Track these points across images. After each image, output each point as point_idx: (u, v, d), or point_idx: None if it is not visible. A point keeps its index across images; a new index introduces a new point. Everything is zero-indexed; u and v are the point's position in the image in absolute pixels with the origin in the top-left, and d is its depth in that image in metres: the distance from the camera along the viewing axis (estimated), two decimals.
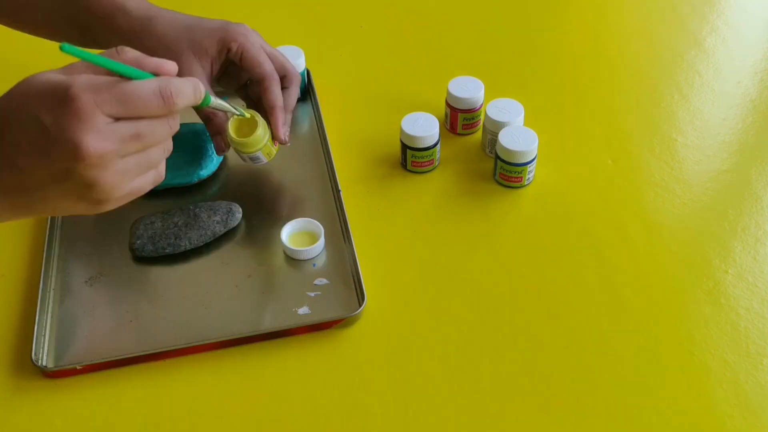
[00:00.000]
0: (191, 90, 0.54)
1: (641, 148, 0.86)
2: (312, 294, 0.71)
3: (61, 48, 0.49)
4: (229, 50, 0.75)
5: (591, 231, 0.77)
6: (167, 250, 0.74)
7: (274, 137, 0.75)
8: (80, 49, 0.50)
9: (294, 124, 0.91)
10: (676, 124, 0.89)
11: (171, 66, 0.55)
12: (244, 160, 0.78)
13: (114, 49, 0.54)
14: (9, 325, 0.70)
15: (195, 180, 0.81)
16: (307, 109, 0.92)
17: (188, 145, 0.82)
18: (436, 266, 0.74)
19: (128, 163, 0.52)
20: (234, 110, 0.69)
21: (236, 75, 0.79)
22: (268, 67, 0.75)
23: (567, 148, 0.86)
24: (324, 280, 0.73)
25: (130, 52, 0.54)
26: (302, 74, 0.92)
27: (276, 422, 0.63)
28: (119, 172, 0.52)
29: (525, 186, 0.81)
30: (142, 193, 0.56)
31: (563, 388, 0.64)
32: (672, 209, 0.79)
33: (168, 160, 0.79)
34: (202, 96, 0.56)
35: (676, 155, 0.85)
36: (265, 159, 0.77)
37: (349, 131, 0.88)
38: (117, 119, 0.50)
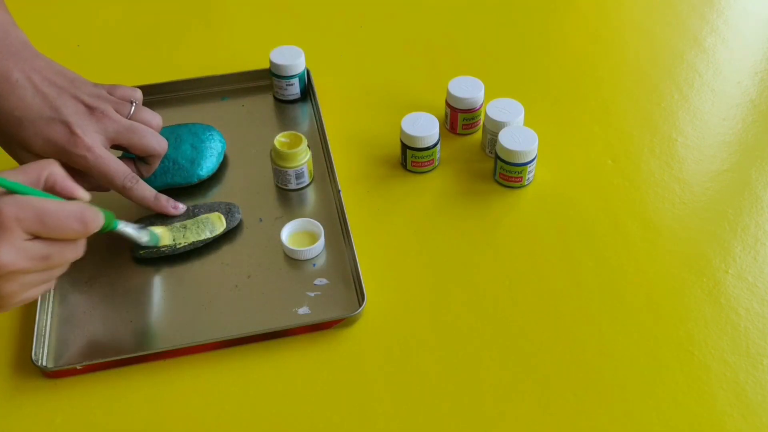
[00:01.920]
0: (101, 218, 0.59)
1: (641, 148, 0.86)
2: (312, 294, 0.71)
3: None
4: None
5: (591, 231, 0.77)
6: (167, 251, 0.74)
7: (166, 213, 0.76)
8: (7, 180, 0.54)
9: (294, 124, 0.91)
10: (676, 124, 0.89)
11: (84, 194, 0.60)
12: (285, 184, 0.80)
13: (43, 162, 0.58)
14: (9, 325, 0.70)
15: (195, 180, 0.81)
16: (307, 109, 0.92)
17: (188, 145, 0.82)
18: (436, 266, 0.74)
19: (31, 278, 0.56)
20: (139, 236, 0.70)
21: None
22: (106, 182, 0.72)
23: (567, 148, 0.86)
24: (324, 280, 0.73)
25: (58, 171, 0.58)
26: (302, 74, 0.92)
27: (276, 422, 0.63)
28: (20, 285, 0.55)
29: (525, 186, 0.81)
30: (30, 301, 0.59)
31: (563, 388, 0.64)
32: (672, 209, 0.79)
33: (168, 160, 0.80)
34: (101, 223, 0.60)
35: (676, 155, 0.85)
36: (308, 177, 0.81)
37: (349, 131, 0.88)
38: (33, 237, 0.54)
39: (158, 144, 0.75)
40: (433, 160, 0.83)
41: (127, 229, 0.68)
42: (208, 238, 0.75)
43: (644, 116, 0.91)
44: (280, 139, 0.79)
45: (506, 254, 0.75)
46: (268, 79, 0.94)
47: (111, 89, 0.74)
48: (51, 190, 0.58)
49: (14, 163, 0.71)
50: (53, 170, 0.58)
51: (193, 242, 0.74)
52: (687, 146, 0.86)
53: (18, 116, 0.68)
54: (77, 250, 0.58)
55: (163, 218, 0.75)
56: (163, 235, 0.73)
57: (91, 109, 0.70)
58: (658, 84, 0.95)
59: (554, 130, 0.87)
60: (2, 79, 0.68)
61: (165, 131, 0.84)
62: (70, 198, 0.58)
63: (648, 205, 0.79)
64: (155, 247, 0.73)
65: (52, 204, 0.55)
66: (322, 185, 0.82)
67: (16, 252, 0.53)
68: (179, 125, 0.85)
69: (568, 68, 0.99)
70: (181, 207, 0.76)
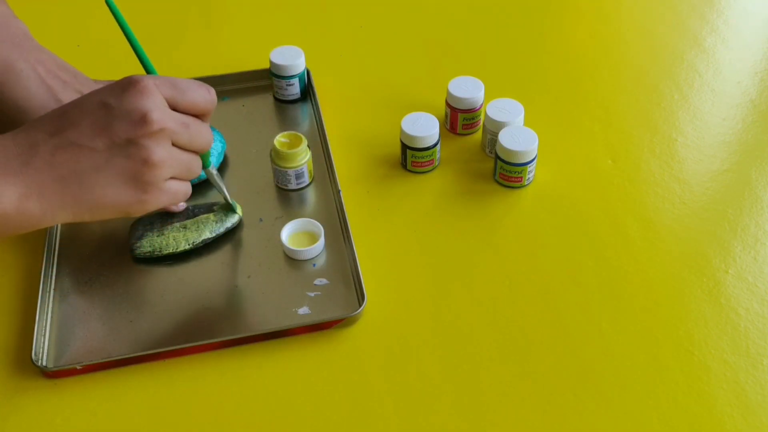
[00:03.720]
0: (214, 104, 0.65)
1: (641, 148, 0.86)
2: (312, 294, 0.71)
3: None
4: None
5: (591, 231, 0.77)
6: (167, 251, 0.74)
7: (167, 209, 0.77)
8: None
9: (294, 124, 0.91)
10: (676, 124, 0.89)
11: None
12: (285, 184, 0.81)
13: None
14: (9, 325, 0.70)
15: (195, 180, 0.81)
16: (307, 109, 0.92)
17: None
18: (436, 266, 0.74)
19: (176, 152, 0.60)
20: (224, 190, 0.74)
21: None
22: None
23: (567, 148, 0.86)
24: (324, 280, 0.73)
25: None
26: (302, 74, 0.92)
27: (276, 422, 0.63)
28: (169, 154, 0.59)
29: (525, 186, 0.81)
30: (174, 202, 0.63)
31: (563, 388, 0.64)
32: (672, 209, 0.79)
33: None
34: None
35: (676, 155, 0.85)
36: (308, 178, 0.81)
37: (349, 131, 0.88)
38: (173, 108, 0.59)
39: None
40: (433, 160, 0.83)
41: (217, 179, 0.73)
42: (208, 238, 0.75)
43: (644, 116, 0.91)
44: (280, 139, 0.79)
45: (506, 254, 0.75)
46: (268, 79, 0.94)
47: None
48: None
49: None
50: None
51: (193, 242, 0.74)
52: (687, 146, 0.86)
53: (22, 106, 0.68)
54: (207, 131, 0.63)
55: (162, 218, 0.76)
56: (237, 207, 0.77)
57: None
58: (658, 84, 0.95)
59: (554, 130, 0.87)
60: (7, 69, 0.68)
61: None
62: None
63: (648, 205, 0.79)
64: (153, 250, 0.73)
65: (180, 78, 0.61)
66: (322, 185, 0.82)
67: (163, 112, 0.58)
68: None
69: (568, 68, 0.99)
70: (182, 204, 0.76)
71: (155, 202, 0.61)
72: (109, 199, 0.59)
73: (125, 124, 0.57)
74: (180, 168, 0.61)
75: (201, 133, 0.62)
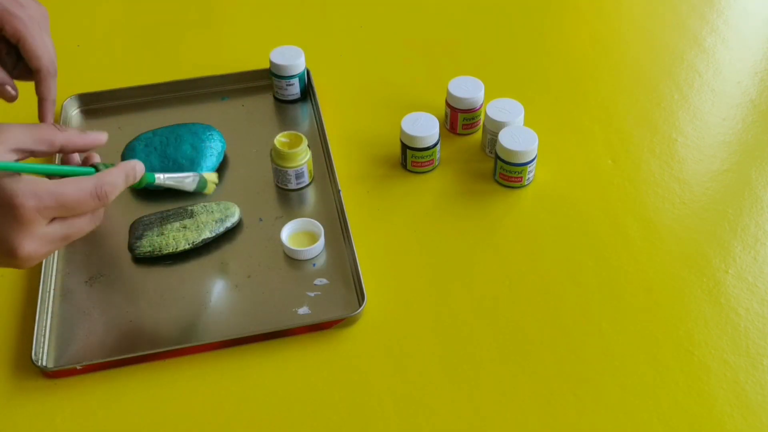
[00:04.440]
0: (123, 180, 0.60)
1: (641, 148, 0.86)
2: (312, 294, 0.71)
3: None
4: (2, 30, 0.70)
5: (591, 231, 0.77)
6: (167, 251, 0.74)
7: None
8: (11, 163, 0.54)
9: (294, 124, 0.91)
10: (676, 124, 0.89)
11: (103, 137, 0.61)
12: (285, 184, 0.80)
13: (51, 127, 0.59)
14: (9, 325, 0.70)
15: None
16: (307, 109, 0.92)
17: (188, 145, 0.82)
18: (436, 266, 0.74)
19: (54, 247, 0.57)
20: (183, 185, 0.71)
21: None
22: (46, 61, 0.71)
23: (567, 148, 0.86)
24: (324, 280, 0.73)
25: (71, 133, 0.59)
26: (302, 74, 0.92)
27: (276, 422, 0.63)
28: (42, 256, 0.56)
29: (525, 186, 0.81)
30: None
31: (563, 387, 0.64)
32: (672, 209, 0.79)
33: (168, 160, 0.80)
34: (138, 177, 0.62)
35: (676, 155, 0.85)
36: (308, 177, 0.81)
37: (349, 131, 0.88)
38: (53, 220, 0.55)
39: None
40: (433, 160, 0.83)
41: (168, 182, 0.69)
42: (208, 238, 0.75)
43: (644, 116, 0.91)
44: (280, 139, 0.79)
45: (506, 254, 0.75)
46: (268, 79, 0.94)
47: None
48: (69, 141, 0.59)
49: None
50: (70, 137, 0.59)
51: (193, 242, 0.74)
52: (687, 146, 0.86)
53: None
54: (96, 221, 0.59)
55: (162, 219, 0.76)
56: (209, 180, 0.73)
57: None
58: (658, 84, 0.95)
59: (554, 130, 0.87)
60: None
61: (165, 131, 0.84)
62: (91, 147, 0.61)
63: (648, 205, 0.79)
64: (153, 250, 0.73)
65: (69, 186, 0.55)
66: (322, 185, 0.82)
67: (38, 242, 0.55)
68: (179, 125, 0.85)
69: (567, 68, 0.99)
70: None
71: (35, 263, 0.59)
72: None
73: None
74: (56, 249, 0.59)
75: (83, 230, 0.58)
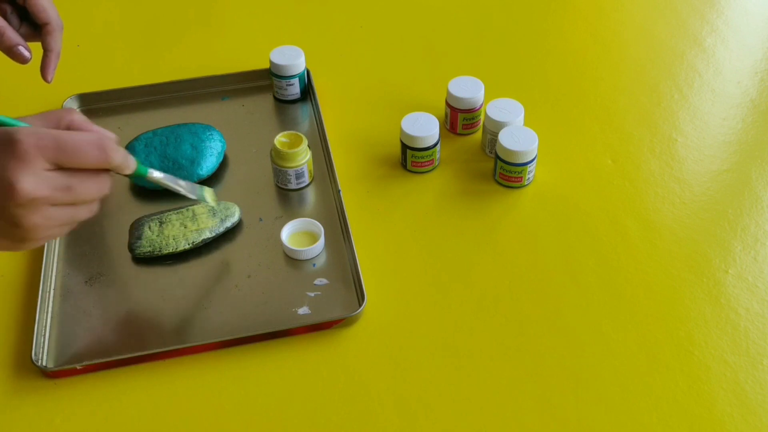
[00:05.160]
0: (123, 153, 0.58)
1: (641, 148, 0.86)
2: (312, 294, 0.71)
3: None
4: None
5: (591, 231, 0.77)
6: (167, 251, 0.74)
7: (43, 77, 0.73)
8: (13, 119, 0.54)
9: (294, 124, 0.91)
10: (676, 124, 0.89)
11: (111, 135, 0.58)
12: (285, 183, 0.80)
13: (63, 110, 0.57)
14: (9, 325, 0.70)
15: (195, 180, 0.81)
16: (307, 109, 0.92)
17: (188, 144, 0.82)
18: (436, 266, 0.74)
19: (54, 212, 0.55)
20: (177, 188, 0.67)
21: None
22: (53, 13, 0.73)
23: (567, 148, 0.86)
24: (324, 280, 0.73)
25: (77, 115, 0.57)
26: (302, 74, 0.92)
27: (276, 422, 0.63)
28: (45, 218, 0.54)
29: (525, 186, 0.81)
30: (56, 238, 0.58)
31: (563, 387, 0.64)
32: (672, 209, 0.79)
33: (168, 160, 0.80)
34: (133, 166, 0.59)
35: (676, 155, 0.85)
36: (308, 177, 0.81)
37: (349, 131, 0.88)
38: (55, 168, 0.53)
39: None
40: (433, 160, 0.83)
41: (157, 175, 0.65)
42: (208, 238, 0.75)
43: (644, 116, 0.91)
44: (280, 139, 0.79)
45: (506, 254, 0.75)
46: (268, 79, 0.94)
47: None
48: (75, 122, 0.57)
49: None
50: (74, 117, 0.57)
51: (193, 242, 0.74)
52: (687, 146, 0.86)
53: None
54: (101, 185, 0.57)
55: (162, 219, 0.76)
56: (208, 193, 0.70)
57: None
58: (658, 84, 0.95)
59: (554, 130, 0.87)
60: None
61: (165, 131, 0.84)
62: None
63: (648, 205, 0.79)
64: (153, 250, 0.73)
65: (71, 133, 0.54)
66: (322, 185, 0.82)
67: (38, 180, 0.52)
68: (179, 125, 0.85)
69: (568, 68, 0.99)
70: (51, 79, 0.73)
71: (35, 246, 0.58)
72: None
73: None
74: (61, 223, 0.56)
75: (88, 191, 0.56)
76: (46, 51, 0.72)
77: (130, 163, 0.59)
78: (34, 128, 0.53)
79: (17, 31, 0.72)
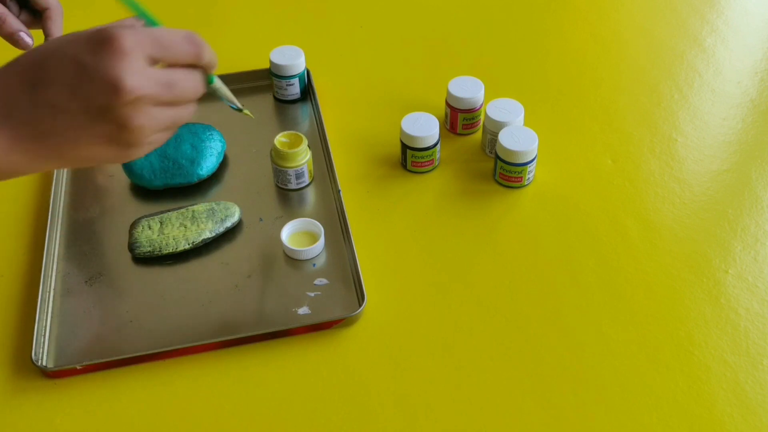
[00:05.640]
0: (211, 49, 0.57)
1: (641, 148, 0.86)
2: (312, 294, 0.71)
3: None
4: None
5: (591, 231, 0.77)
6: (167, 251, 0.74)
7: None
8: None
9: (294, 124, 0.91)
10: (676, 124, 0.89)
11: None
12: (285, 183, 0.80)
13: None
14: (9, 325, 0.70)
15: (195, 180, 0.81)
16: (307, 109, 0.92)
17: (188, 145, 0.82)
18: (436, 266, 0.74)
19: (159, 112, 0.54)
20: (230, 96, 0.66)
21: None
22: None
23: (567, 148, 0.86)
24: (324, 280, 0.73)
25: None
26: (302, 74, 0.92)
27: (276, 422, 0.63)
28: (149, 117, 0.54)
29: (525, 186, 0.81)
30: (158, 146, 0.58)
31: (563, 387, 0.64)
32: (672, 209, 0.79)
33: (168, 160, 0.81)
34: (216, 66, 0.59)
35: (676, 155, 0.85)
36: (308, 177, 0.80)
37: (349, 131, 0.88)
38: (153, 64, 0.53)
39: None
40: (433, 160, 0.83)
41: (219, 83, 0.64)
42: (208, 238, 0.75)
43: (644, 116, 0.91)
44: (280, 139, 0.79)
45: (506, 254, 0.75)
46: (268, 79, 0.94)
47: None
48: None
49: None
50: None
51: (193, 242, 0.74)
52: (687, 146, 0.86)
53: None
54: (196, 83, 0.57)
55: (162, 218, 0.76)
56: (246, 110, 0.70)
57: None
58: (658, 84, 0.95)
59: (554, 130, 0.87)
60: None
61: None
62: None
63: (648, 205, 0.79)
64: (153, 250, 0.73)
65: (162, 29, 0.55)
66: (322, 185, 0.82)
67: (141, 75, 0.52)
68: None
69: (568, 68, 0.99)
70: (29, 40, 0.73)
71: (140, 155, 0.57)
72: (93, 155, 0.56)
73: (99, 90, 0.52)
74: (165, 125, 0.56)
75: (187, 88, 0.56)
76: (48, 37, 0.72)
77: (215, 62, 0.58)
78: (126, 26, 0.53)
79: (17, 17, 0.72)
